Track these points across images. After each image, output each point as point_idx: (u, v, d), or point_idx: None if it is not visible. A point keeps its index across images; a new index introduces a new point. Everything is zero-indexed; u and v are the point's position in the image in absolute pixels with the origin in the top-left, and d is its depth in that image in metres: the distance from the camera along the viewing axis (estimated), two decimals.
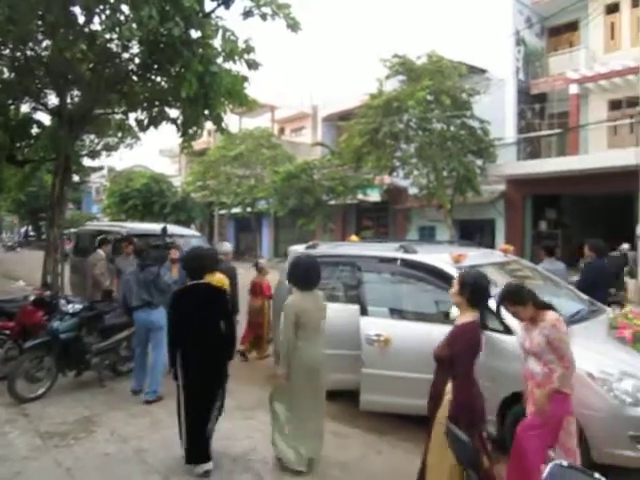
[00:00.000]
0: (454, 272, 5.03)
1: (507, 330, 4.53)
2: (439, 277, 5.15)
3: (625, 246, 14.77)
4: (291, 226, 24.73)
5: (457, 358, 3.28)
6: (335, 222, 23.74)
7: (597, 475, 2.25)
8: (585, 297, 5.64)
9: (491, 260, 5.72)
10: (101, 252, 8.20)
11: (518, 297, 3.70)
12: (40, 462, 4.28)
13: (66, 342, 5.75)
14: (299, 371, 4.15)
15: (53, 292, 6.39)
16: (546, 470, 2.33)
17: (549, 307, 3.68)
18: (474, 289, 3.55)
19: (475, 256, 5.54)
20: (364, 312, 5.06)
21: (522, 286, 3.85)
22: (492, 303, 4.67)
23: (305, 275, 4.27)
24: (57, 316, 5.86)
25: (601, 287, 6.54)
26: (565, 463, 2.80)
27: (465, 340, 3.38)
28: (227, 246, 8.02)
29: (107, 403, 5.66)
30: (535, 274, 5.94)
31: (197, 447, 4.10)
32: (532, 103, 20.81)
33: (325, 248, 6.78)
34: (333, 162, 21.33)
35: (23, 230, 53.50)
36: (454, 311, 4.60)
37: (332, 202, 22.07)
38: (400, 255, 5.52)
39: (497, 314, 4.61)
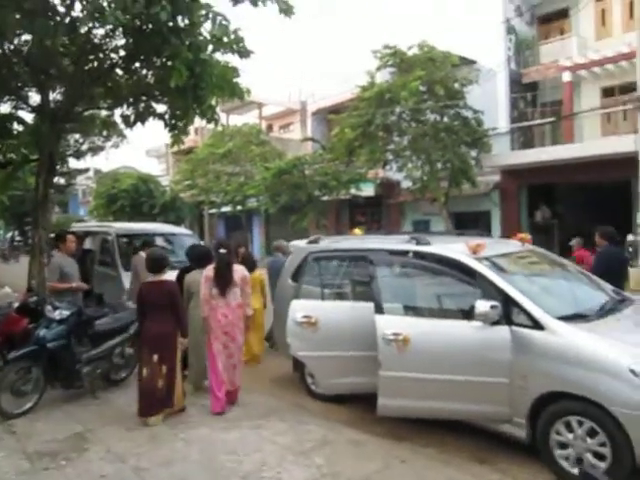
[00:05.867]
0: (472, 263, 4.68)
1: (536, 325, 4.16)
2: (455, 269, 4.79)
3: (631, 237, 14.47)
4: (283, 223, 24.25)
5: None
6: (328, 218, 23.33)
7: None
8: (610, 287, 5.30)
9: (510, 250, 5.37)
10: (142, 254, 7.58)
11: None
12: None
13: (54, 351, 5.31)
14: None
15: (39, 297, 5.91)
16: None
17: None
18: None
19: (492, 246, 5.18)
20: (379, 310, 4.67)
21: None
22: (517, 294, 4.35)
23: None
24: (43, 323, 5.42)
25: (616, 274, 6.25)
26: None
27: None
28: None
29: (101, 416, 5.22)
30: (556, 264, 5.59)
31: None
32: (524, 92, 20.56)
33: (328, 242, 6.40)
34: (325, 157, 20.92)
35: (9, 236, 52.36)
36: (479, 305, 4.26)
37: (325, 198, 21.65)
38: (412, 247, 5.15)
39: (523, 307, 4.29)
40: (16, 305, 5.87)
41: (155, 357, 5.03)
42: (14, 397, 5.17)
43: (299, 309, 5.35)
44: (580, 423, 3.92)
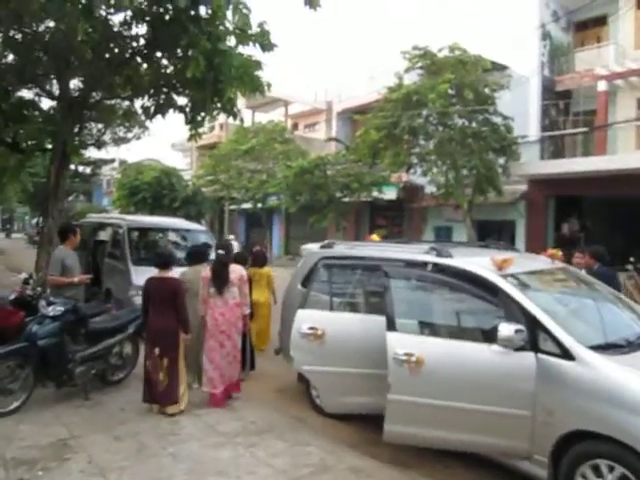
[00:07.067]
0: (497, 280, 4.26)
1: (566, 354, 3.73)
2: (478, 286, 4.37)
3: None
4: (302, 223, 23.94)
5: None
6: (348, 220, 22.91)
7: None
8: None
9: (539, 267, 4.93)
10: None
11: None
12: None
13: (45, 349, 5.03)
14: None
15: (36, 291, 5.61)
16: None
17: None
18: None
19: (520, 262, 4.73)
20: (391, 326, 4.27)
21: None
22: (546, 318, 3.93)
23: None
24: (36, 319, 5.13)
25: None
26: None
27: None
28: None
29: (89, 421, 4.91)
30: (588, 285, 5.12)
31: None
32: (556, 100, 19.89)
33: (342, 248, 6.02)
34: (348, 158, 20.50)
35: (34, 221, 53.03)
36: (503, 328, 3.84)
37: (346, 199, 21.25)
38: (432, 259, 4.74)
39: (551, 333, 3.86)
40: (12, 297, 5.58)
41: (156, 350, 5.15)
42: (0, 395, 4.89)
43: (305, 319, 4.97)
44: (611, 468, 3.48)
